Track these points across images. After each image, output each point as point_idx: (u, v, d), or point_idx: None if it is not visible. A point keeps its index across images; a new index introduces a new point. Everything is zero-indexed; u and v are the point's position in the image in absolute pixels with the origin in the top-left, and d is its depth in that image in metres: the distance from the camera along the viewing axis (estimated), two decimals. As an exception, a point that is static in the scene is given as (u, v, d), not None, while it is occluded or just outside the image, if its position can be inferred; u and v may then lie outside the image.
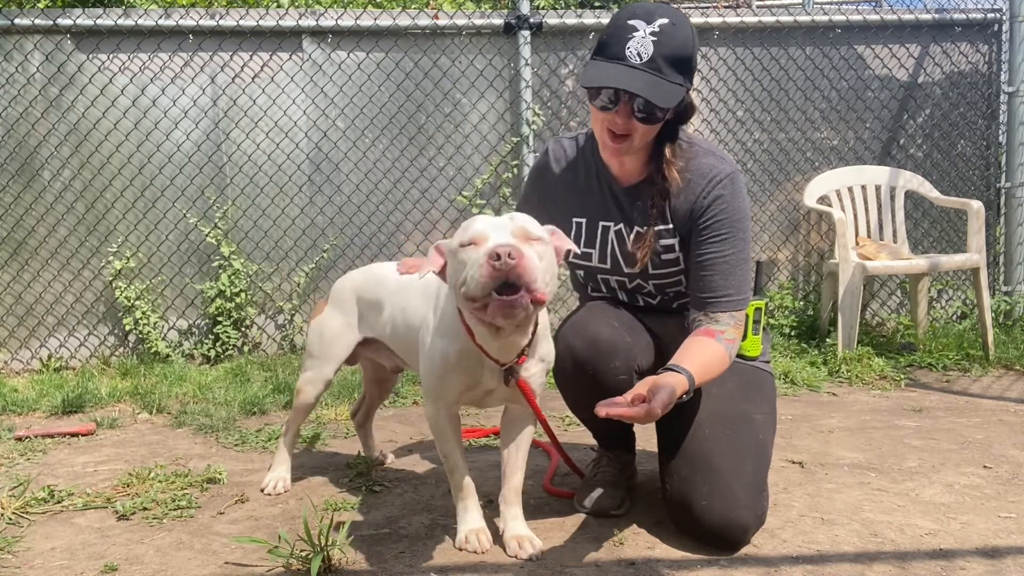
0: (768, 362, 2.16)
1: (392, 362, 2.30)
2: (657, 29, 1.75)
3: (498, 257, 1.51)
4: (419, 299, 2.00)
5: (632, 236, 1.96)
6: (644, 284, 2.01)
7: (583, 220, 2.03)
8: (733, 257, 1.88)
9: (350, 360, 2.34)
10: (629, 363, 1.91)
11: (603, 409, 1.57)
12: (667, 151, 1.89)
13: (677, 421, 1.95)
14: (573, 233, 2.03)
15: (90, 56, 4.08)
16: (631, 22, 1.77)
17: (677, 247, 1.94)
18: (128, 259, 4.16)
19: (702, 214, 1.88)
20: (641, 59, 1.75)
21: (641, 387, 1.66)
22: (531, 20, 4.25)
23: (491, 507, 2.08)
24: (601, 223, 2.00)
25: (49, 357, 4.13)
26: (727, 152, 4.39)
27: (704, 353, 1.82)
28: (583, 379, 1.93)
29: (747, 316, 1.99)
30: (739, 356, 2.03)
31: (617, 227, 1.98)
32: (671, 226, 1.93)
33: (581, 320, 1.98)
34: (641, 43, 1.75)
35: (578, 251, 1.85)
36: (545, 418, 1.92)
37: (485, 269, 1.52)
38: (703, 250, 1.89)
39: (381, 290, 2.17)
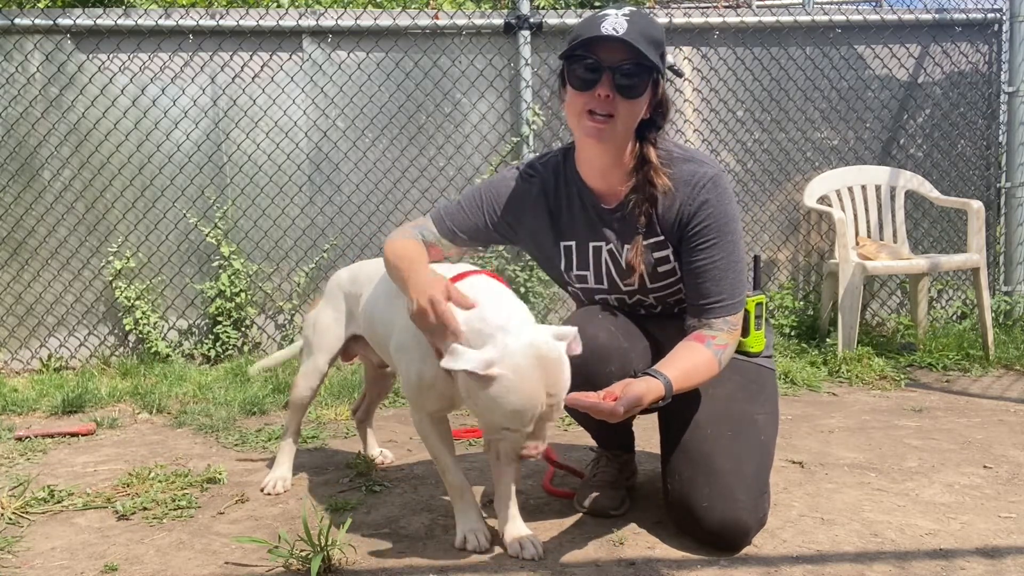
0: (770, 357, 2.15)
1: (378, 358, 2.31)
2: (627, 12, 1.77)
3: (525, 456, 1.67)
4: (383, 300, 2.02)
5: (624, 257, 1.94)
6: (644, 298, 2.00)
7: (572, 243, 2.00)
8: (723, 262, 1.87)
9: (345, 356, 2.35)
10: (625, 368, 1.90)
11: (571, 399, 1.62)
12: (651, 155, 1.86)
13: (679, 421, 1.95)
14: (563, 257, 2.01)
15: (90, 56, 4.08)
16: (600, 13, 1.79)
17: (672, 258, 1.93)
18: (128, 259, 4.16)
19: (690, 221, 1.86)
20: (618, 32, 1.74)
21: (616, 386, 1.67)
22: (531, 20, 4.25)
23: (491, 507, 2.08)
24: (591, 244, 1.97)
25: (49, 357, 4.13)
26: (727, 152, 4.44)
27: (689, 359, 1.81)
28: (578, 384, 1.93)
29: (748, 312, 1.99)
30: (743, 352, 2.02)
31: (609, 247, 1.96)
32: (662, 238, 1.91)
33: (577, 325, 1.96)
34: (615, 21, 1.75)
35: (578, 351, 1.75)
36: None
37: (515, 455, 1.69)
38: (693, 257, 1.88)
39: (360, 287, 2.19)
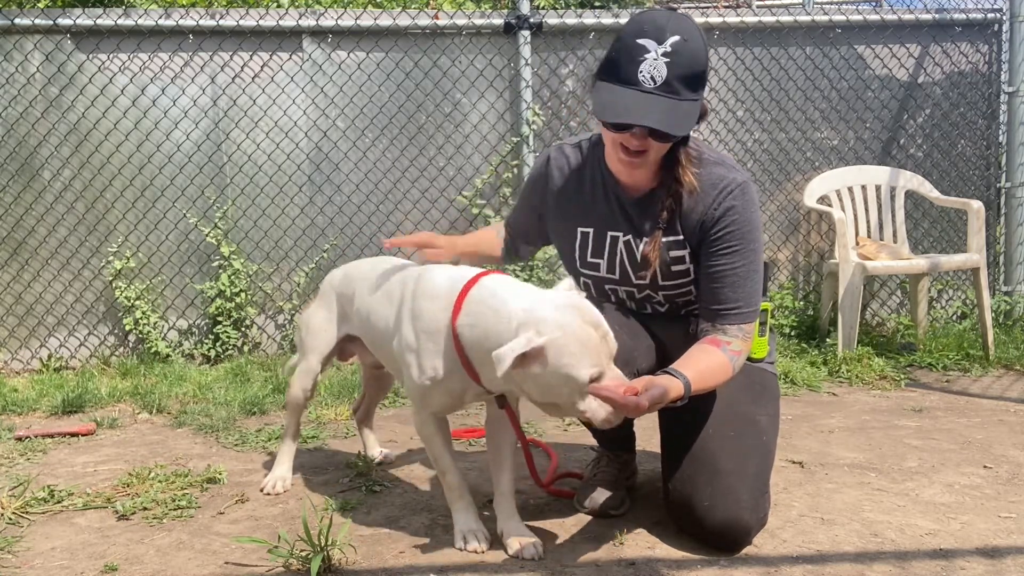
0: (772, 363, 2.15)
1: (373, 358, 2.30)
2: (669, 49, 1.69)
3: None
4: (383, 302, 2.01)
5: (641, 247, 1.94)
6: (654, 295, 2.00)
7: (590, 230, 2.00)
8: (743, 269, 1.86)
9: (341, 356, 2.35)
10: (628, 367, 1.90)
11: (594, 389, 1.60)
12: (681, 155, 1.86)
13: (681, 421, 1.95)
14: (579, 243, 2.02)
15: (90, 56, 4.08)
16: (641, 41, 1.70)
17: (688, 258, 1.92)
18: (128, 259, 4.16)
19: (713, 225, 1.86)
20: (655, 83, 1.70)
21: (637, 383, 1.66)
22: (531, 20, 4.25)
23: (491, 507, 2.08)
24: (609, 233, 1.98)
25: (49, 357, 4.13)
26: (730, 155, 4.43)
27: (705, 361, 1.81)
28: None
29: None
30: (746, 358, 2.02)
31: (626, 238, 1.96)
32: (681, 237, 1.91)
33: None
34: (654, 66, 1.69)
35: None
36: (526, 441, 1.93)
37: (618, 413, 1.66)
38: (713, 262, 1.87)
39: (355, 287, 2.18)
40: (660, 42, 1.70)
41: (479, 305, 1.73)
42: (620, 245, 1.97)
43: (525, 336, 1.59)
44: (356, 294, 2.15)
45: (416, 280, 1.89)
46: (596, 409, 1.64)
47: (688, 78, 1.71)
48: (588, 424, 1.75)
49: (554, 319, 1.62)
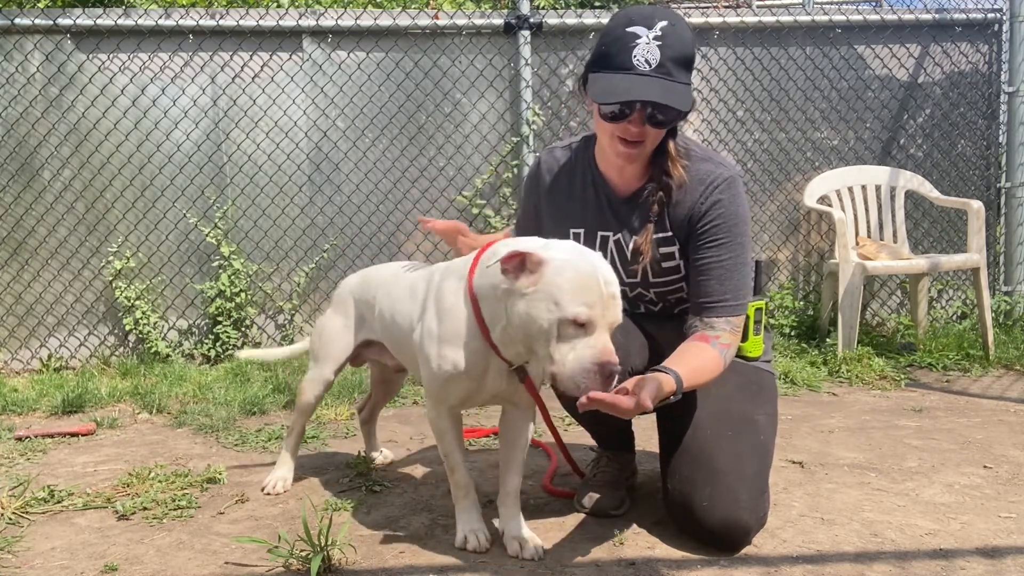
0: (769, 362, 2.16)
1: (395, 361, 2.30)
2: (659, 33, 1.74)
3: (608, 372, 1.56)
4: (407, 300, 2.01)
5: (631, 245, 1.95)
6: (645, 293, 2.01)
7: (581, 231, 2.01)
8: (730, 262, 1.87)
9: (355, 362, 2.34)
10: (623, 365, 1.90)
11: (585, 398, 1.54)
12: (671, 149, 1.88)
13: (679, 421, 1.95)
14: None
15: (90, 56, 4.08)
16: (631, 29, 1.76)
17: (677, 255, 1.94)
18: (128, 259, 4.16)
19: (700, 219, 1.87)
20: (650, 65, 1.74)
21: (627, 383, 1.65)
22: (531, 20, 4.25)
23: (491, 507, 2.08)
24: (600, 233, 1.99)
25: (49, 357, 4.13)
26: (727, 153, 4.44)
27: (696, 357, 1.81)
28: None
29: (747, 317, 1.99)
30: (741, 357, 2.03)
31: (616, 237, 1.97)
32: (670, 233, 1.92)
33: None
34: (647, 49, 1.74)
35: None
36: (549, 414, 1.92)
37: (592, 377, 1.56)
38: (700, 255, 1.89)
39: (373, 290, 2.17)
40: (650, 28, 1.75)
41: (495, 251, 1.71)
42: (611, 244, 1.98)
43: (531, 247, 1.62)
44: (378, 298, 2.14)
45: (443, 268, 1.90)
46: (569, 362, 1.56)
47: (679, 60, 1.77)
48: (556, 387, 1.66)
49: (567, 250, 1.64)
